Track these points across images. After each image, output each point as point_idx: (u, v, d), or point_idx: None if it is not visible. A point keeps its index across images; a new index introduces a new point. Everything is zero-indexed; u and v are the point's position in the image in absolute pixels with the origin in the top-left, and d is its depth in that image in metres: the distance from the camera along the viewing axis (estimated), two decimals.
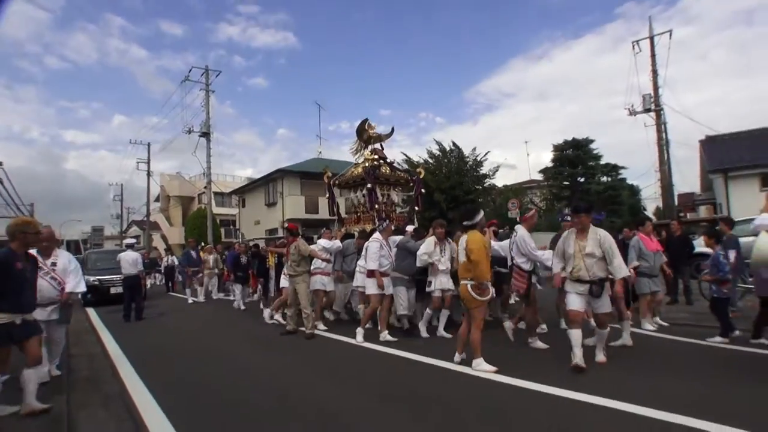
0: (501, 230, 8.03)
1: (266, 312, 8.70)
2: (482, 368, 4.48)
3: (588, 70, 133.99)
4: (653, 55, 20.28)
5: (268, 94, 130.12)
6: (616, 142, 74.99)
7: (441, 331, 6.44)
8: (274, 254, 9.46)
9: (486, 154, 21.38)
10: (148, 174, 35.07)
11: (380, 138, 9.88)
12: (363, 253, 6.99)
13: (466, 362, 4.71)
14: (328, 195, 10.24)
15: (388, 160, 9.99)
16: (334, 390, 4.30)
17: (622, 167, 25.88)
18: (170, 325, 9.26)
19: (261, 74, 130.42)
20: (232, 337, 7.52)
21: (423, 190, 10.15)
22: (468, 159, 21.16)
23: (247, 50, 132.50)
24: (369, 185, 9.30)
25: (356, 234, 8.60)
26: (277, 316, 8.34)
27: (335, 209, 10.09)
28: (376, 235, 6.93)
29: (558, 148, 24.88)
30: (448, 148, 21.45)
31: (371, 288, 6.57)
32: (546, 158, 25.45)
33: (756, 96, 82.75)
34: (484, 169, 21.33)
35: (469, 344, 4.66)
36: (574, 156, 24.00)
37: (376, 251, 6.62)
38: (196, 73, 25.56)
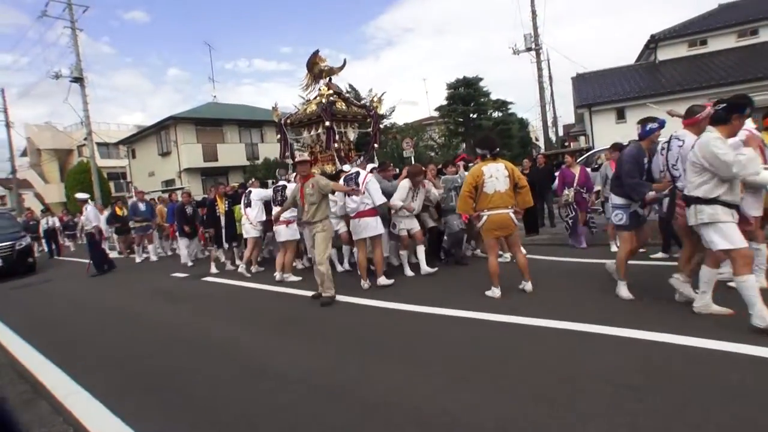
0: (470, 164, 8.05)
1: (242, 267, 8.09)
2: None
3: (484, 4, 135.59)
4: None
5: (152, 30, 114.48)
6: (511, 76, 78.92)
7: (425, 267, 6.42)
8: (223, 200, 8.76)
9: (382, 94, 21.16)
10: (8, 125, 30.32)
11: (332, 71, 9.14)
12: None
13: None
14: (279, 137, 9.45)
15: (342, 95, 9.36)
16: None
17: (510, 102, 28.22)
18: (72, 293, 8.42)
19: (140, 7, 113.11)
20: (141, 294, 7.26)
21: (380, 126, 9.79)
22: (364, 100, 20.85)
23: None
24: (327, 122, 8.71)
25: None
26: (253, 268, 8.06)
27: (289, 151, 9.40)
28: (375, 175, 6.41)
29: (451, 86, 25.61)
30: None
31: (379, 227, 5.94)
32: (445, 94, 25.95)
33: (626, 32, 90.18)
34: (382, 109, 21.29)
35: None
36: (465, 93, 24.95)
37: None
38: (57, 9, 21.72)
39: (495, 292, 4.97)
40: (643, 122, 4.40)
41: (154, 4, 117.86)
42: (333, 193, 5.84)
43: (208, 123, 25.51)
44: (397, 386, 3.03)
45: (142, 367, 3.90)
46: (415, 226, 6.46)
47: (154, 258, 11.62)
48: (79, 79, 21.73)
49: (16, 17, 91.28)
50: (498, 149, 5.04)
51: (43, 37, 56.34)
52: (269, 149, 25.91)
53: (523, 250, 6.42)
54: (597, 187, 7.25)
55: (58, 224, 16.75)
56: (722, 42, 18.93)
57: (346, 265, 7.51)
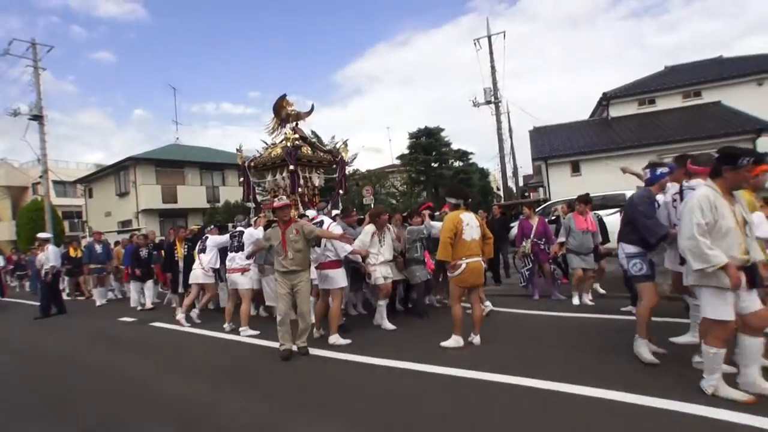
0: (437, 213, 8.11)
1: (179, 314, 7.56)
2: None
3: (448, 58, 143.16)
4: (491, 53, 23.40)
5: (119, 71, 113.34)
6: (473, 127, 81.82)
7: (387, 324, 6.02)
8: (182, 244, 8.39)
9: (345, 141, 21.50)
10: None
11: (299, 116, 9.24)
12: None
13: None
14: (242, 179, 9.35)
15: (309, 140, 9.41)
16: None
17: (471, 153, 28.77)
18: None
19: (107, 48, 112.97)
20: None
21: (346, 173, 9.82)
22: (327, 146, 21.23)
23: (88, 20, 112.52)
24: (291, 167, 8.69)
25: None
26: (181, 316, 7.47)
27: (252, 194, 9.25)
28: (339, 222, 6.23)
29: (413, 136, 26.12)
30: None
31: (342, 279, 5.60)
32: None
33: (581, 89, 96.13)
34: (347, 156, 21.64)
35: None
36: (427, 143, 25.40)
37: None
38: (20, 47, 21.72)
39: (458, 341, 4.88)
40: (652, 167, 4.17)
41: (121, 45, 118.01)
42: (318, 240, 5.41)
43: (168, 164, 25.14)
44: None
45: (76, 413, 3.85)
46: (391, 274, 6.16)
47: (99, 302, 10.93)
48: (38, 117, 21.55)
49: None
50: (470, 199, 5.11)
51: (5, 74, 55.13)
52: (230, 192, 25.62)
53: (487, 303, 6.38)
54: (561, 239, 7.04)
55: (1, 264, 15.69)
56: (669, 101, 20.31)
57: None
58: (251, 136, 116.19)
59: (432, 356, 4.59)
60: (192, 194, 25.45)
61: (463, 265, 4.77)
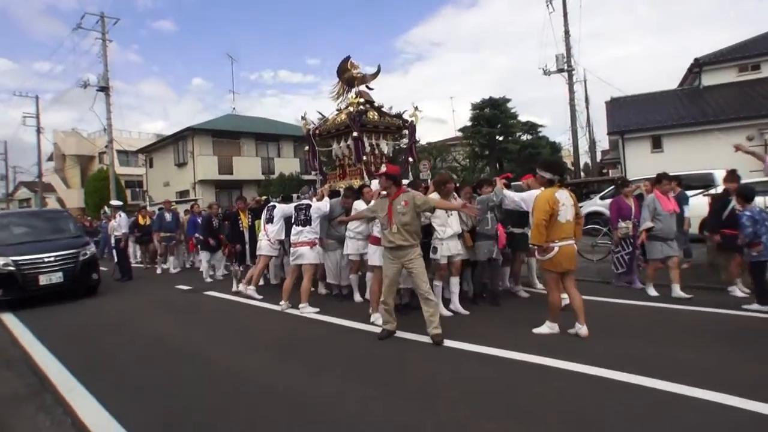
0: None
1: (242, 286, 7.41)
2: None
3: (519, 21, 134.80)
4: (565, 15, 21.33)
5: (179, 39, 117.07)
6: (546, 96, 76.80)
7: (457, 305, 5.57)
8: (246, 215, 8.09)
9: (404, 112, 20.61)
10: (38, 130, 31.35)
11: (365, 79, 8.64)
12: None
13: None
14: (308, 148, 8.95)
15: (376, 104, 8.77)
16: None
17: (541, 125, 26.77)
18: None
19: (169, 16, 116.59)
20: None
21: (418, 139, 9.17)
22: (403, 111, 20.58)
23: None
24: (355, 133, 8.11)
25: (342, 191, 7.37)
26: (251, 290, 7.28)
27: (317, 164, 8.81)
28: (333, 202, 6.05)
29: (476, 107, 24.90)
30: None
31: (378, 258, 5.24)
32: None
33: (671, 54, 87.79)
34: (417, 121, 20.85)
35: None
36: (491, 115, 24.16)
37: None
38: (91, 20, 22.67)
39: (552, 327, 4.49)
40: None
41: (182, 14, 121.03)
42: (433, 212, 5.01)
43: (225, 135, 25.38)
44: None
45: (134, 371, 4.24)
46: (459, 251, 5.55)
47: (173, 270, 11.18)
48: (105, 88, 22.46)
49: (56, 27, 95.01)
50: (566, 175, 4.49)
51: (77, 47, 58.19)
52: (285, 164, 25.69)
53: None
54: (648, 224, 6.11)
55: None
56: None
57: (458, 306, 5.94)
58: (310, 104, 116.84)
59: (523, 345, 4.19)
60: (247, 165, 25.65)
61: (556, 249, 4.41)
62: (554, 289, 4.55)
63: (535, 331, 4.56)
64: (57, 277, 7.65)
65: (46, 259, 7.62)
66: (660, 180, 6.24)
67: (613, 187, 13.64)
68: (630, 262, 6.71)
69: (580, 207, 8.05)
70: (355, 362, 4.09)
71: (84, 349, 5.04)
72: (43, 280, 7.54)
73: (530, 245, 5.07)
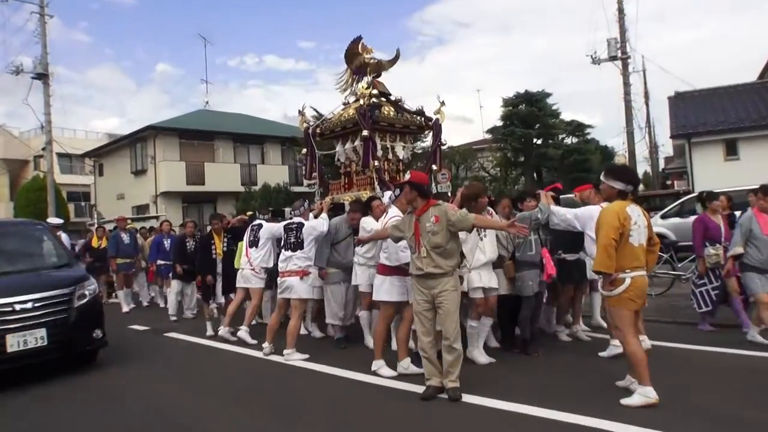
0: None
1: (223, 330, 7.25)
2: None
3: None
4: None
5: (140, 15, 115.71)
6: (594, 89, 76.47)
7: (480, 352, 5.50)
8: (221, 238, 7.93)
9: (442, 100, 20.70)
10: None
11: (380, 66, 8.55)
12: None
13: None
14: (305, 150, 8.87)
15: (393, 98, 8.67)
16: None
17: (589, 126, 26.80)
18: None
19: None
20: None
21: (444, 141, 8.98)
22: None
23: None
24: (365, 132, 7.95)
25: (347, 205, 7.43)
26: (224, 331, 7.24)
27: (318, 171, 8.67)
28: (394, 210, 5.52)
29: (508, 103, 24.98)
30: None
31: (384, 291, 5.20)
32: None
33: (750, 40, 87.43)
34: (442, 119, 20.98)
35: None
36: (527, 112, 24.12)
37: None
38: None
39: (648, 394, 4.06)
40: None
41: None
42: (471, 231, 4.87)
43: (195, 136, 25.34)
44: None
45: None
46: (495, 285, 5.48)
47: (126, 308, 10.86)
48: (43, 75, 21.89)
49: None
50: (640, 186, 4.32)
51: (8, 22, 54.74)
52: (270, 172, 25.59)
53: (643, 336, 5.40)
54: (738, 249, 5.97)
55: None
56: None
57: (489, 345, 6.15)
58: (302, 97, 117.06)
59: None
60: (223, 174, 25.65)
61: (627, 281, 4.14)
62: (631, 334, 4.25)
63: (625, 402, 4.15)
64: (37, 338, 5.55)
65: (18, 307, 5.50)
66: (766, 193, 5.90)
67: (678, 202, 13.48)
68: (718, 298, 6.49)
69: None
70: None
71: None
72: (14, 343, 5.37)
73: (594, 273, 4.72)
